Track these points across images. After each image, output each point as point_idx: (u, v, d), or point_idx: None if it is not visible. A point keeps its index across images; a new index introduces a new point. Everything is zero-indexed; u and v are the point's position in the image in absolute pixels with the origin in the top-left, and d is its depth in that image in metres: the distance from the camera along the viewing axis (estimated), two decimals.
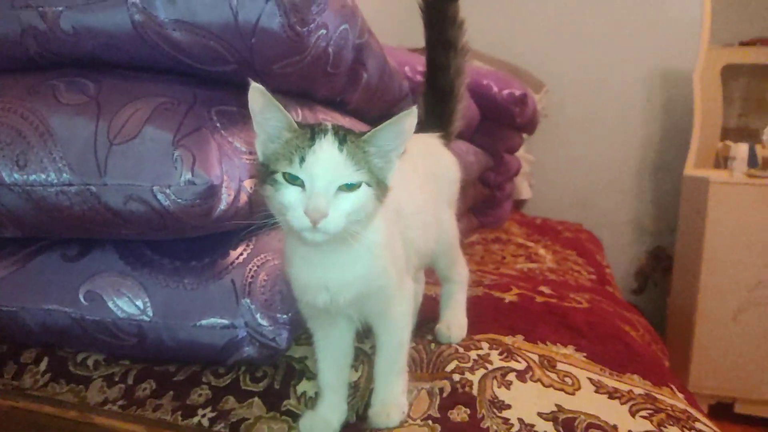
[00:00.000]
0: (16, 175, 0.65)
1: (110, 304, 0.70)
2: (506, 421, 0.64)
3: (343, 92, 1.01)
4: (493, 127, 2.03)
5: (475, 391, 0.67)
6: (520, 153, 2.73)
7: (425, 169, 0.77)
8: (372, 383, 0.67)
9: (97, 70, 0.70)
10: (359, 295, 0.61)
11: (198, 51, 0.66)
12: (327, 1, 0.67)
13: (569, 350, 0.79)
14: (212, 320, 0.68)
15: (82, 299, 0.71)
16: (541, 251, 1.90)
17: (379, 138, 0.56)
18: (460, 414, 0.65)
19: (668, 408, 0.70)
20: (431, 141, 0.84)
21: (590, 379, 0.72)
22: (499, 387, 0.68)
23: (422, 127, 0.83)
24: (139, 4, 0.63)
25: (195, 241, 0.72)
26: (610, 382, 0.73)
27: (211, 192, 0.59)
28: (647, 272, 3.19)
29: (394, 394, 0.65)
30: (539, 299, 0.95)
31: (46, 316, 0.72)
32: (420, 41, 0.93)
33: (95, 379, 0.72)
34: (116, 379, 0.72)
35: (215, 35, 0.64)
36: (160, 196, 0.59)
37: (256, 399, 0.67)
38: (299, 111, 0.84)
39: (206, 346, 0.69)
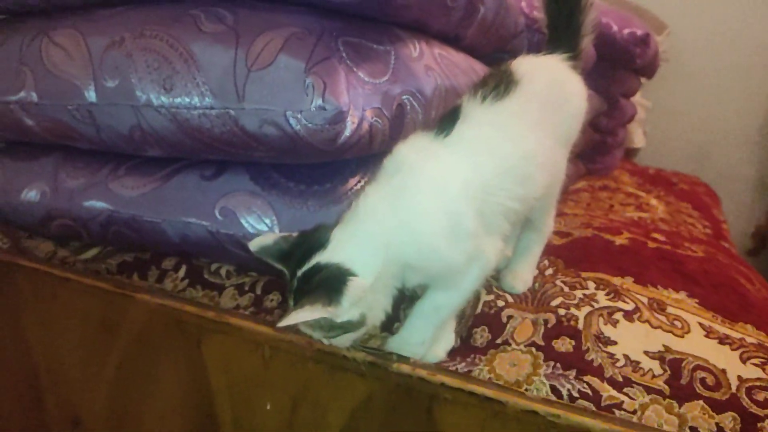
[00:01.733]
0: (163, 98, 0.72)
1: (242, 221, 0.77)
2: (611, 355, 0.65)
3: (459, 26, 1.01)
4: (609, 68, 1.93)
5: (580, 326, 0.69)
6: (636, 98, 2.59)
7: (544, 100, 0.70)
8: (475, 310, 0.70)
9: (231, 1, 0.74)
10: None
11: None
12: None
13: (681, 295, 0.78)
14: None
15: (217, 214, 0.78)
16: (653, 201, 1.82)
17: None
18: (564, 344, 0.66)
19: None
20: (555, 65, 0.77)
21: (701, 324, 0.72)
22: (605, 324, 0.69)
23: (547, 45, 0.81)
24: None
25: (318, 167, 0.77)
26: (722, 329, 0.72)
27: (340, 118, 0.63)
28: (765, 233, 2.98)
29: (416, 338, 0.64)
30: (651, 245, 0.93)
31: (185, 228, 0.80)
32: None
33: (228, 287, 0.80)
34: (246, 288, 0.79)
35: None
36: (292, 121, 0.64)
37: None
38: (416, 44, 0.85)
39: None
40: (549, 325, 0.69)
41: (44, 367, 0.82)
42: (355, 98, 0.66)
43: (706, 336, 0.70)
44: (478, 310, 0.73)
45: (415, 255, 0.59)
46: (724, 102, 2.99)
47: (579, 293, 0.75)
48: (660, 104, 3.10)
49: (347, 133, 0.66)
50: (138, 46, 0.74)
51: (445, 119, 0.66)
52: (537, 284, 0.78)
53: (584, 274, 0.79)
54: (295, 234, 0.61)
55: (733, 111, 2.98)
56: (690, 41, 3.02)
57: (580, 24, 0.81)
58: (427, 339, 0.65)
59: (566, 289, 0.76)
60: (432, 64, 0.88)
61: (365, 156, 0.77)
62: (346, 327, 0.58)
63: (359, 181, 0.76)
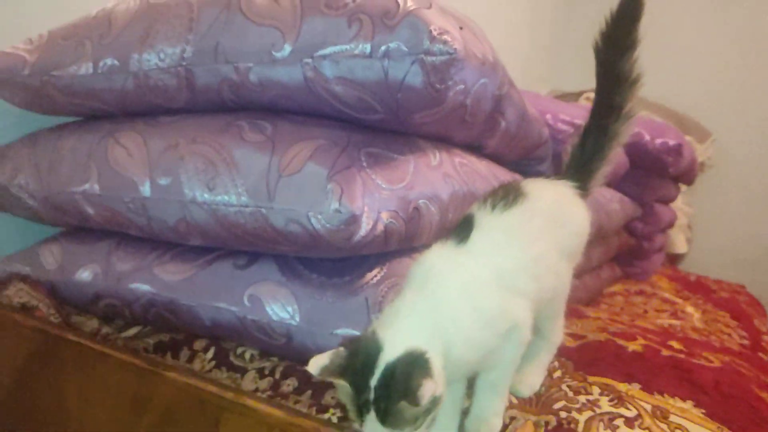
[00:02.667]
0: (206, 195, 0.81)
1: (267, 308, 0.84)
2: None
3: (481, 138, 1.09)
4: (642, 175, 1.99)
5: (580, 429, 0.71)
6: (678, 204, 2.61)
7: (547, 217, 0.77)
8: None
9: (274, 114, 0.85)
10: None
11: (354, 102, 0.78)
12: (465, 61, 0.76)
13: (687, 405, 0.78)
14: (346, 330, 0.79)
15: (245, 301, 0.85)
16: (689, 309, 1.80)
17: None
18: None
19: None
20: (562, 189, 0.85)
21: None
22: (605, 429, 0.71)
23: (563, 174, 0.88)
24: (311, 63, 0.77)
25: (339, 261, 0.84)
26: None
27: (353, 220, 0.70)
28: None
29: (489, 412, 0.70)
30: (665, 352, 0.94)
31: (216, 313, 0.87)
32: (573, 85, 0.97)
33: (250, 371, 0.85)
34: (266, 372, 0.85)
35: (369, 90, 0.76)
36: (313, 221, 0.72)
37: None
38: (437, 154, 0.93)
39: None
40: (549, 427, 0.71)
41: None
42: (371, 202, 0.74)
43: None
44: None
45: (459, 351, 0.63)
46: None
47: (583, 398, 0.77)
48: (705, 210, 3.09)
49: (362, 233, 0.73)
50: (190, 150, 0.85)
51: (461, 227, 0.73)
52: (543, 387, 0.80)
53: (591, 379, 0.81)
54: (341, 349, 0.62)
55: None
56: (735, 147, 3.05)
57: (598, 168, 0.88)
58: (500, 409, 0.71)
59: (570, 393, 0.78)
60: (451, 171, 0.95)
61: (382, 252, 0.84)
62: (434, 404, 0.59)
63: (375, 276, 0.82)
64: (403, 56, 0.72)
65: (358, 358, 0.61)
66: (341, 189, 0.71)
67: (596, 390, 0.78)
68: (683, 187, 2.88)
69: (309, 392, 0.80)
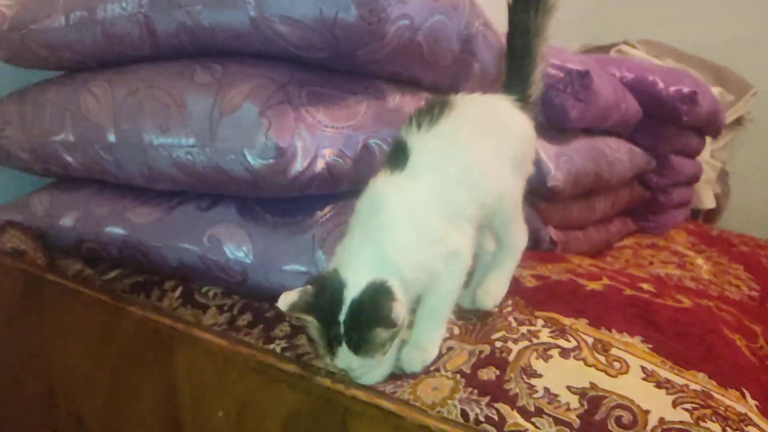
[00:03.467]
0: (161, 139, 0.84)
1: (225, 248, 0.86)
2: (531, 386, 0.67)
3: (455, 81, 1.08)
4: (656, 125, 1.92)
5: (511, 358, 0.71)
6: (704, 157, 2.51)
7: (477, 124, 0.77)
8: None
9: (227, 57, 0.86)
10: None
11: (298, 41, 0.79)
12: None
13: (634, 340, 0.78)
14: (294, 266, 0.81)
15: (206, 241, 0.88)
16: (699, 261, 1.76)
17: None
18: (488, 373, 0.69)
19: (721, 407, 0.67)
20: (498, 101, 0.85)
21: (643, 368, 0.72)
22: (537, 359, 0.71)
23: (501, 88, 0.89)
24: (253, 2, 0.77)
25: (293, 201, 0.86)
26: (666, 374, 0.71)
27: (280, 153, 0.72)
28: None
29: (426, 340, 0.72)
30: (628, 292, 0.93)
31: (180, 253, 0.91)
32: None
33: (211, 307, 0.89)
34: (226, 308, 0.88)
35: (309, 28, 0.76)
36: (248, 157, 0.74)
37: None
38: (397, 96, 0.93)
39: (289, 288, 0.82)
40: (482, 356, 0.72)
41: (56, 370, 0.94)
42: (309, 138, 0.75)
43: (644, 379, 0.70)
44: None
45: (410, 273, 0.67)
46: None
47: (524, 329, 0.77)
48: (746, 168, 2.96)
49: (298, 168, 0.74)
50: (147, 95, 0.88)
51: (394, 153, 0.75)
52: (490, 319, 0.81)
53: (538, 313, 0.81)
54: (308, 287, 0.67)
55: None
56: None
57: (530, 71, 0.88)
58: (437, 338, 0.73)
59: (514, 324, 0.78)
60: None
61: (337, 193, 0.86)
62: (400, 328, 0.64)
63: (325, 215, 0.84)
64: None
65: (324, 295, 0.66)
66: (269, 123, 0.72)
67: (540, 323, 0.78)
68: (720, 140, 2.78)
69: (261, 326, 0.83)
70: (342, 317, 0.64)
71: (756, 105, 2.92)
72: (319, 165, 0.77)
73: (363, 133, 0.84)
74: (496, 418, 0.64)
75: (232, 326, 0.85)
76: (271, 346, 0.78)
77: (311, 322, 0.66)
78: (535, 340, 0.74)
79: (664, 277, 1.43)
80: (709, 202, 2.63)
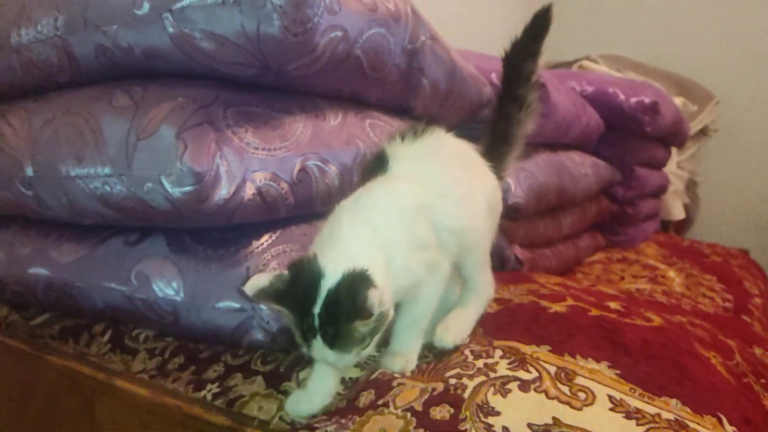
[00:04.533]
0: (78, 169, 0.77)
1: (154, 285, 0.79)
2: (489, 427, 0.60)
3: (404, 98, 1.03)
4: (620, 137, 1.90)
5: (466, 395, 0.64)
6: (671, 169, 2.50)
7: (467, 159, 0.80)
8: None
9: (150, 78, 0.80)
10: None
11: (223, 57, 0.72)
12: (331, 4, 0.70)
13: (601, 366, 0.71)
14: (227, 303, 0.74)
15: (133, 279, 0.80)
16: (671, 273, 1.72)
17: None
18: (441, 412, 0.62)
19: None
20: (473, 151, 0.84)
21: (610, 397, 0.65)
22: (494, 394, 0.64)
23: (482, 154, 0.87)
24: (171, 18, 0.71)
25: (229, 231, 0.79)
26: (635, 403, 0.65)
27: (198, 179, 0.65)
28: None
29: (407, 349, 0.71)
30: (594, 312, 0.87)
31: (107, 294, 0.83)
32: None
33: (141, 352, 0.81)
34: (156, 352, 0.80)
35: (232, 42, 0.70)
36: (166, 184, 0.66)
37: (259, 378, 0.71)
38: (339, 114, 0.87)
39: (223, 327, 0.74)
40: (435, 393, 0.65)
41: None
42: (234, 162, 0.68)
43: (612, 409, 0.63)
44: (373, 377, 0.70)
45: (397, 272, 0.65)
46: None
47: (480, 362, 0.70)
48: (714, 177, 2.97)
49: (222, 194, 0.67)
50: (63, 122, 0.80)
51: (375, 164, 0.74)
52: (446, 355, 0.74)
53: (496, 342, 0.74)
54: (284, 273, 0.62)
55: None
56: (742, 110, 2.92)
57: (505, 155, 0.91)
58: (416, 347, 0.72)
59: (470, 358, 0.72)
60: (358, 132, 0.89)
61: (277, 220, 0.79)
62: (380, 321, 0.61)
63: (262, 244, 0.77)
64: (252, 3, 0.66)
65: (299, 283, 0.61)
66: (185, 146, 0.65)
67: (498, 353, 0.72)
68: (687, 151, 2.78)
69: (192, 368, 0.75)
70: (317, 309, 0.59)
71: (720, 115, 2.94)
72: (249, 191, 0.70)
73: (299, 155, 0.77)
74: None
75: (162, 371, 0.77)
76: (201, 393, 0.70)
77: (283, 312, 0.62)
78: (492, 374, 0.68)
79: (635, 293, 1.38)
80: (678, 213, 2.61)
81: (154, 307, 0.79)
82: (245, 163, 0.70)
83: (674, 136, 2.15)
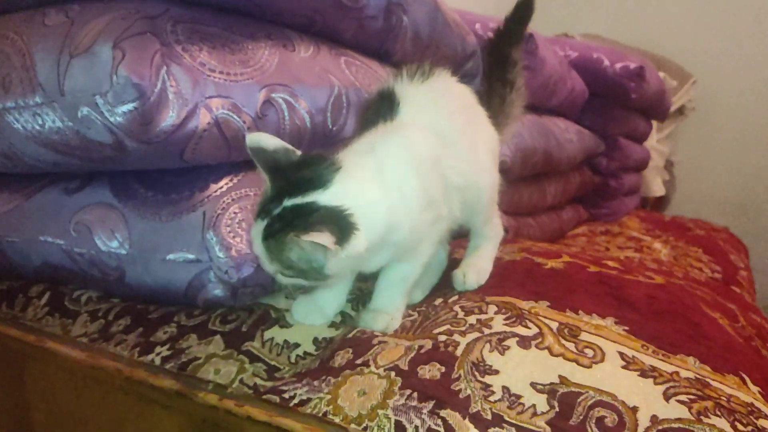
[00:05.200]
0: (4, 101, 0.65)
1: (95, 237, 0.68)
2: (486, 386, 0.51)
3: (383, 40, 0.93)
4: (604, 105, 1.83)
5: (458, 352, 0.56)
6: (651, 144, 2.44)
7: (471, 107, 0.74)
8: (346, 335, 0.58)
9: None
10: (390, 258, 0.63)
11: None
12: None
13: (607, 321, 0.63)
14: (179, 254, 0.63)
15: (72, 231, 0.70)
16: (657, 245, 1.66)
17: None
18: (431, 371, 0.53)
19: (722, 397, 0.53)
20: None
21: (621, 354, 0.57)
22: (490, 351, 0.56)
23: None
24: None
25: (182, 173, 0.68)
26: (650, 360, 0.57)
27: (139, 92, 0.54)
28: None
29: (391, 307, 0.64)
30: (593, 269, 0.79)
31: (43, 248, 0.71)
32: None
33: (82, 314, 0.70)
34: (100, 314, 0.70)
35: None
36: (102, 106, 0.56)
37: (216, 338, 0.61)
38: (311, 47, 0.77)
39: (175, 283, 0.64)
40: (422, 351, 0.56)
41: None
42: (184, 81, 0.58)
43: (625, 367, 0.55)
44: (350, 335, 0.61)
45: (399, 225, 0.59)
46: (761, 151, 2.80)
47: (473, 318, 0.62)
48: (692, 156, 2.94)
49: (171, 119, 0.57)
50: None
51: (381, 102, 0.68)
52: (433, 312, 0.65)
53: (489, 299, 0.66)
54: (297, 152, 0.58)
55: None
56: (720, 89, 2.88)
57: (503, 123, 0.86)
58: (401, 306, 0.65)
59: (461, 314, 0.63)
60: (332, 68, 0.79)
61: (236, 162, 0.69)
62: (317, 272, 0.55)
63: (221, 187, 0.66)
64: None
65: (299, 174, 0.56)
66: (122, 55, 0.54)
67: (492, 309, 0.63)
68: (664, 130, 2.74)
69: (140, 330, 0.65)
70: (288, 203, 0.55)
71: (696, 95, 2.91)
72: (203, 119, 0.60)
73: (264, 84, 0.67)
74: (442, 431, 0.47)
75: (104, 334, 0.66)
76: (149, 357, 0.60)
77: (263, 180, 0.57)
78: (487, 330, 0.59)
79: (624, 261, 1.31)
80: (658, 190, 2.56)
81: (96, 263, 0.68)
82: (199, 87, 0.59)
83: (657, 108, 2.09)
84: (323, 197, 0.54)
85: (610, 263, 0.85)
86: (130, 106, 0.54)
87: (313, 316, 0.64)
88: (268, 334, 0.62)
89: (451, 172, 0.65)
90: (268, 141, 0.57)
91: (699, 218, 2.40)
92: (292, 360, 0.60)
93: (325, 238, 0.51)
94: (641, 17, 3.08)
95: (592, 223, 1.90)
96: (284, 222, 0.54)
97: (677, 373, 0.56)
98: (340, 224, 0.54)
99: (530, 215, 1.50)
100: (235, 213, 0.64)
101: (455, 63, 1.14)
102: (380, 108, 0.66)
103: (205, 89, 0.60)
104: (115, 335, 0.65)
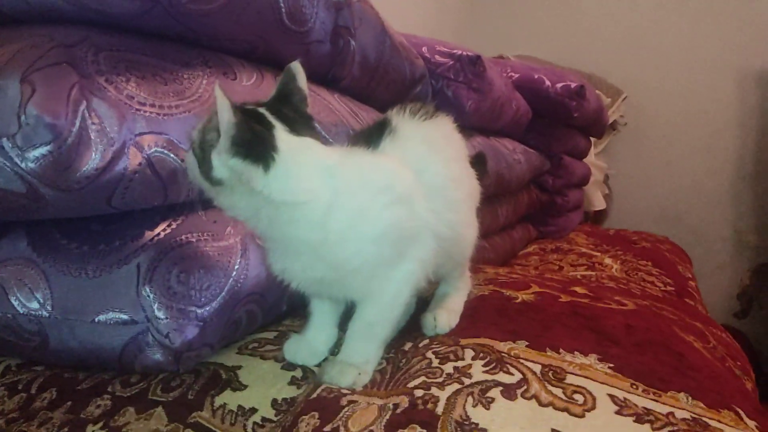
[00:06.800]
0: None
1: (11, 298, 0.59)
2: None
3: (330, 65, 0.88)
4: (547, 124, 1.83)
5: (439, 410, 0.50)
6: (590, 160, 2.48)
7: (454, 152, 0.68)
8: (310, 396, 0.51)
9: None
10: (324, 280, 0.54)
11: None
12: None
13: (590, 359, 0.59)
14: (111, 315, 0.55)
15: None
16: (607, 260, 1.65)
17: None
18: None
19: None
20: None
21: (612, 397, 0.53)
22: (474, 405, 0.50)
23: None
24: None
25: (111, 220, 0.60)
26: (642, 401, 0.53)
27: (55, 134, 0.46)
28: (751, 293, 2.80)
29: (358, 358, 0.57)
30: (564, 298, 0.75)
31: None
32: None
33: None
34: (20, 387, 0.60)
35: None
36: (10, 150, 0.47)
37: (158, 410, 0.53)
38: (254, 74, 0.71)
39: (107, 348, 0.56)
40: (398, 410, 0.50)
41: None
42: (108, 118, 0.50)
43: (618, 413, 0.51)
44: (314, 396, 0.54)
45: (340, 216, 0.52)
46: (690, 161, 2.90)
47: (449, 366, 0.56)
48: (625, 168, 3.01)
49: (94, 162, 0.49)
50: None
51: (374, 129, 0.63)
52: (404, 360, 0.59)
53: (464, 342, 0.60)
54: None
55: (701, 169, 2.88)
56: (649, 103, 2.98)
57: None
58: (371, 358, 0.58)
59: (435, 362, 0.57)
60: None
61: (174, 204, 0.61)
62: (206, 167, 0.49)
63: (160, 233, 0.58)
64: None
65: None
66: (32, 90, 0.46)
67: (469, 354, 0.58)
68: (599, 145, 2.81)
69: (68, 404, 0.56)
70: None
71: (626, 110, 3.00)
72: (134, 159, 0.52)
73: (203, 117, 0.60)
74: None
75: (26, 412, 0.57)
76: None
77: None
78: (467, 380, 0.53)
79: (580, 279, 1.29)
80: (599, 204, 2.61)
81: (14, 327, 0.59)
82: (127, 124, 0.52)
83: (596, 125, 2.12)
84: (281, 134, 0.50)
85: (578, 289, 0.82)
86: (43, 149, 0.46)
87: (302, 354, 0.60)
88: (219, 400, 0.54)
89: (436, 219, 0.59)
90: (302, 80, 0.56)
91: (638, 229, 2.46)
92: (249, 429, 0.52)
93: (226, 116, 0.46)
94: (570, 37, 3.17)
95: (541, 241, 1.89)
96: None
97: (672, 414, 0.52)
98: (259, 144, 0.49)
99: (484, 238, 1.46)
100: (174, 264, 0.56)
101: (404, 87, 1.10)
102: (371, 136, 0.62)
103: (134, 125, 0.52)
104: (39, 413, 0.55)
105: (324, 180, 0.52)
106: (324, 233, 0.52)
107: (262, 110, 0.51)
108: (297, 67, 0.56)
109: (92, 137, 0.48)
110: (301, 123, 0.54)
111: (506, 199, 1.57)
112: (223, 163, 0.48)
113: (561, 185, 1.93)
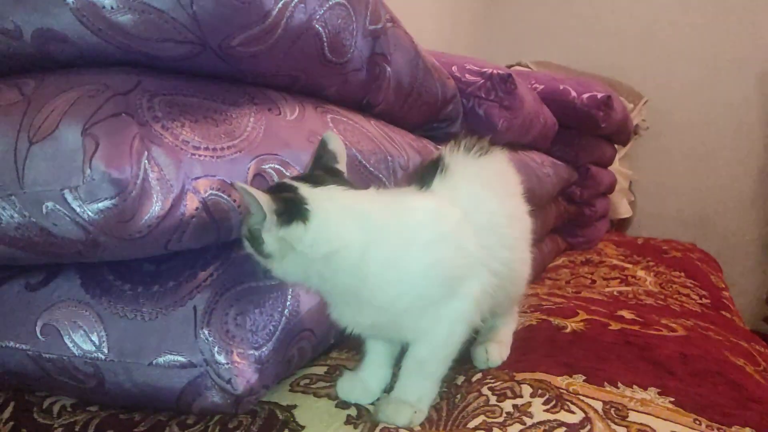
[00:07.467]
0: None
1: (66, 339, 0.59)
2: None
3: (366, 91, 0.88)
4: (573, 135, 1.82)
5: None
6: (615, 167, 2.46)
7: (508, 188, 0.69)
8: None
9: (46, 71, 0.60)
10: (376, 324, 0.56)
11: (145, 32, 0.54)
12: None
13: (650, 394, 0.58)
14: (169, 357, 0.55)
15: (38, 334, 0.60)
16: (640, 273, 1.63)
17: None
18: None
19: None
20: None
21: None
22: None
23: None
24: None
25: (163, 261, 0.60)
26: None
27: (118, 188, 0.47)
28: None
29: (412, 396, 0.57)
30: (614, 326, 0.74)
31: (5, 355, 0.62)
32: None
33: (56, 429, 0.61)
34: (77, 428, 0.60)
35: (158, 10, 0.53)
36: (72, 202, 0.48)
37: None
38: (296, 107, 0.71)
39: (165, 390, 0.56)
40: None
41: None
42: (167, 166, 0.51)
43: None
44: None
45: (382, 265, 0.53)
46: (716, 165, 2.87)
47: (508, 405, 0.55)
48: (648, 173, 2.98)
49: (154, 211, 0.49)
50: None
51: (427, 169, 0.63)
52: (459, 396, 0.59)
53: (519, 376, 0.60)
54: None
55: (727, 173, 2.84)
56: (671, 107, 2.95)
57: None
58: (426, 396, 0.58)
59: (493, 399, 0.56)
60: (320, 129, 0.73)
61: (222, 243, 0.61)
62: (257, 243, 0.53)
63: (211, 275, 0.59)
64: None
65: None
66: (95, 144, 0.47)
67: (527, 390, 0.57)
68: (621, 151, 2.78)
69: None
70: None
71: (647, 115, 2.97)
72: (191, 204, 0.52)
73: (253, 156, 0.60)
74: None
75: None
76: None
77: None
78: (528, 420, 0.53)
79: (619, 297, 1.27)
80: (625, 211, 2.58)
81: (70, 370, 0.59)
82: (184, 169, 0.52)
83: (622, 133, 2.10)
84: (305, 189, 0.53)
85: (626, 314, 0.80)
86: (107, 203, 0.46)
87: (357, 393, 0.60)
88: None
89: (489, 256, 0.59)
90: (335, 144, 0.58)
91: (663, 235, 2.43)
92: None
93: (263, 197, 0.49)
94: (589, 42, 3.15)
95: (570, 253, 1.88)
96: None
97: None
98: (293, 205, 0.51)
99: None
100: (230, 305, 0.56)
101: (435, 108, 1.10)
102: (424, 175, 0.62)
103: (191, 170, 0.53)
104: None
105: (356, 224, 0.53)
106: (362, 277, 0.53)
107: (284, 181, 0.55)
108: (329, 136, 0.59)
109: (153, 186, 0.49)
110: (324, 176, 0.56)
111: (536, 213, 1.56)
112: (273, 236, 0.51)
113: (588, 196, 1.91)
